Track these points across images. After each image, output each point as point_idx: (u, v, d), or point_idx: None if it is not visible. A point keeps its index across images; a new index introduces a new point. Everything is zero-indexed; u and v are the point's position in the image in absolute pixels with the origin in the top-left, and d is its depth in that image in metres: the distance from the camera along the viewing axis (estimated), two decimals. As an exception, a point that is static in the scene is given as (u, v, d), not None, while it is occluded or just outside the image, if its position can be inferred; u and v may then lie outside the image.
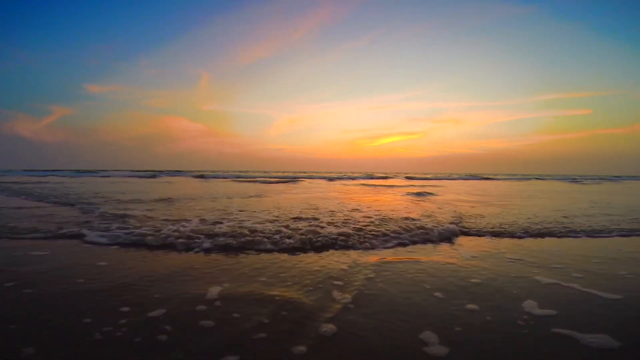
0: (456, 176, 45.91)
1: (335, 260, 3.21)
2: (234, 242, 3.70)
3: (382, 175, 40.41)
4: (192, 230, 4.14)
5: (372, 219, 5.23)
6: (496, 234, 4.64)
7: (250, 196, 9.58)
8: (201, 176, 29.72)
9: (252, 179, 24.25)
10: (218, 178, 27.39)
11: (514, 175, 62.38)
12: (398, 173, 54.57)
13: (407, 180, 29.30)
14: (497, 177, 42.15)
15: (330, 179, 27.75)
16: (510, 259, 3.33)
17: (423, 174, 51.52)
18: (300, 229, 4.29)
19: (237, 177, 27.71)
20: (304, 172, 55.51)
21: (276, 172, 69.96)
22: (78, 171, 53.23)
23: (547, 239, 4.42)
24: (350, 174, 42.89)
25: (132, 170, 52.76)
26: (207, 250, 3.49)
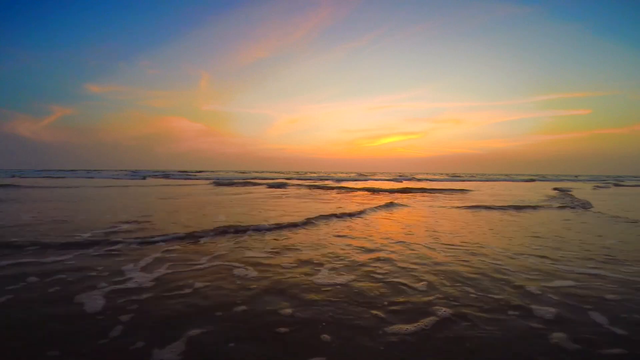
0: (483, 177, 41.03)
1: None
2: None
3: (408, 176, 35.75)
4: None
5: None
6: None
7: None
8: (166, 176, 26.31)
9: (239, 180, 19.98)
10: (217, 179, 23.24)
11: (523, 175, 56.94)
12: (406, 174, 49.85)
13: (434, 182, 24.65)
14: (539, 178, 37.10)
15: (337, 180, 23.22)
16: None
17: (442, 175, 46.87)
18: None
19: (222, 179, 23.50)
20: (306, 173, 51.27)
21: (276, 171, 65.92)
22: (71, 171, 50.36)
23: None
24: (353, 175, 38.55)
25: (133, 171, 49.56)
26: None
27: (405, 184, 18.85)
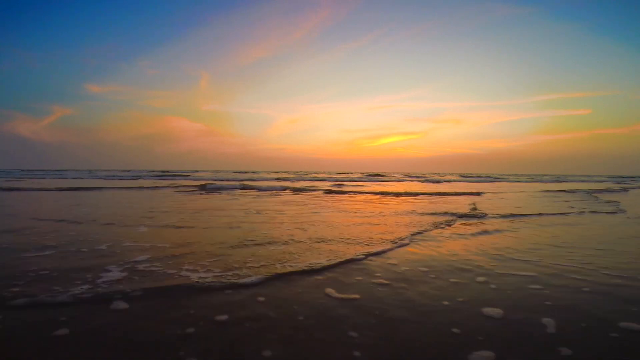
0: (498, 178, 37.85)
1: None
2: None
3: (434, 178, 32.57)
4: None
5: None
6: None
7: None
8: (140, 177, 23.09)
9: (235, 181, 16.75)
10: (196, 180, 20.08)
11: (531, 175, 53.70)
12: (416, 174, 46.76)
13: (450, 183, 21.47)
14: (552, 179, 33.97)
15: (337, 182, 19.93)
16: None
17: (454, 175, 43.82)
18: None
19: (218, 180, 20.34)
20: (307, 173, 48.17)
21: (278, 171, 62.69)
22: (58, 171, 47.35)
23: None
24: (355, 176, 35.48)
25: (134, 171, 46.43)
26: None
27: (438, 187, 15.75)
